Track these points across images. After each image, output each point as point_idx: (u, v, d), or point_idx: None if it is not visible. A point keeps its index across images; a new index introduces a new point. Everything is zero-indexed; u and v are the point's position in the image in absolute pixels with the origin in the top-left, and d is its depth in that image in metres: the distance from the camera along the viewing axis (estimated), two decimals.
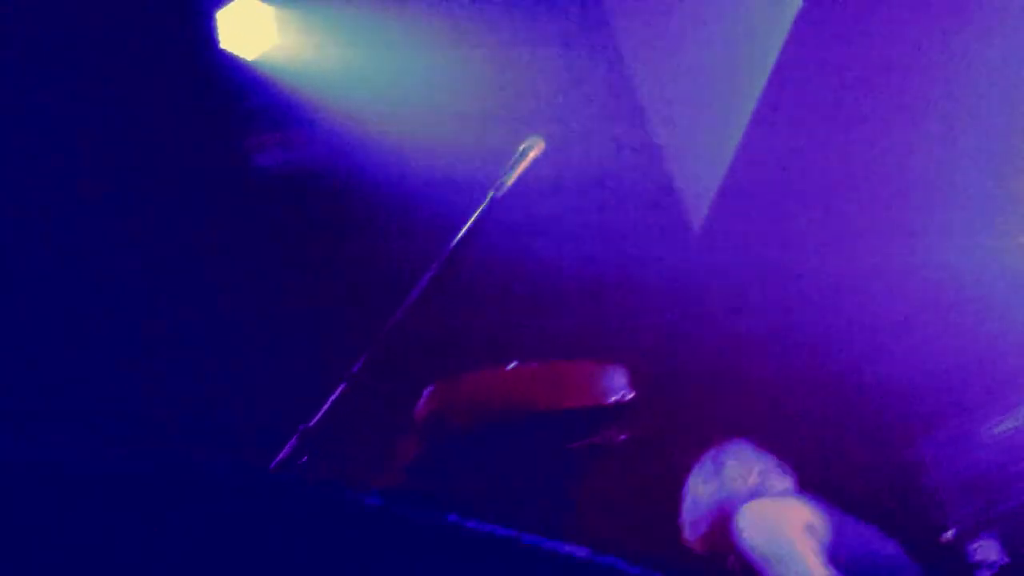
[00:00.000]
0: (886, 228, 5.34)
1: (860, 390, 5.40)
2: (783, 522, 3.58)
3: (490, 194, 3.09)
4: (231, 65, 5.62)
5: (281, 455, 2.55)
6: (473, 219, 3.04)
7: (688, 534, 3.94)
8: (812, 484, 3.99)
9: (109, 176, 5.13)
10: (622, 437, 2.86)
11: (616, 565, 1.86)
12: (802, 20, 5.31)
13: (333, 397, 2.73)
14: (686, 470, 4.03)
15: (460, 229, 3.02)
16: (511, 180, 3.13)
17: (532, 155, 3.20)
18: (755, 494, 3.81)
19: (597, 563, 1.84)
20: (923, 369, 5.11)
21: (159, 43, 5.31)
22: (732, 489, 3.84)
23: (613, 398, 2.88)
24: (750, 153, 5.65)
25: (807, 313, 5.55)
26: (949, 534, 4.54)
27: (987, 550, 4.43)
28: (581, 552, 1.84)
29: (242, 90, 5.68)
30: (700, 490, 3.92)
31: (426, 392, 2.85)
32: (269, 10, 5.72)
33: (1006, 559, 4.36)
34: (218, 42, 5.53)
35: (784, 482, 3.89)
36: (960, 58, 4.93)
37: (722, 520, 3.81)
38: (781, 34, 5.38)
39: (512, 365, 2.95)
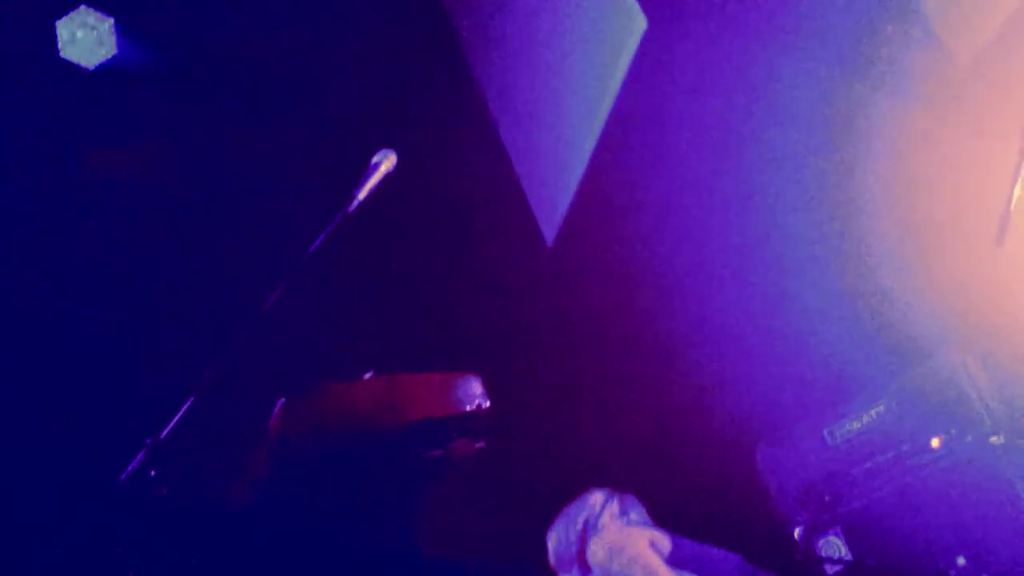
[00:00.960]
0: (731, 236, 5.48)
1: (706, 393, 5.51)
2: (629, 541, 3.67)
3: (342, 208, 3.07)
4: (71, 74, 5.49)
5: (130, 468, 2.48)
6: (325, 233, 3.01)
7: (552, 558, 4.01)
8: (665, 490, 4.07)
9: None
10: (478, 446, 2.86)
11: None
12: (648, 39, 5.44)
13: (183, 410, 2.67)
14: (548, 484, 4.10)
15: (312, 241, 2.99)
16: (363, 193, 3.11)
17: (384, 168, 3.18)
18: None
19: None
20: (767, 372, 5.24)
21: None
22: (602, 526, 3.91)
23: (468, 407, 2.89)
24: (601, 164, 5.75)
25: (656, 319, 5.64)
26: (797, 532, 4.68)
27: (834, 547, 4.57)
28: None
29: (82, 99, 5.56)
30: (577, 519, 3.98)
31: (279, 405, 2.81)
32: (108, 20, 5.63)
33: (850, 557, 4.50)
34: (58, 51, 5.43)
35: (658, 537, 3.97)
36: (785, 74, 5.16)
37: (582, 549, 3.87)
38: (629, 52, 5.49)
39: (366, 376, 2.94)
